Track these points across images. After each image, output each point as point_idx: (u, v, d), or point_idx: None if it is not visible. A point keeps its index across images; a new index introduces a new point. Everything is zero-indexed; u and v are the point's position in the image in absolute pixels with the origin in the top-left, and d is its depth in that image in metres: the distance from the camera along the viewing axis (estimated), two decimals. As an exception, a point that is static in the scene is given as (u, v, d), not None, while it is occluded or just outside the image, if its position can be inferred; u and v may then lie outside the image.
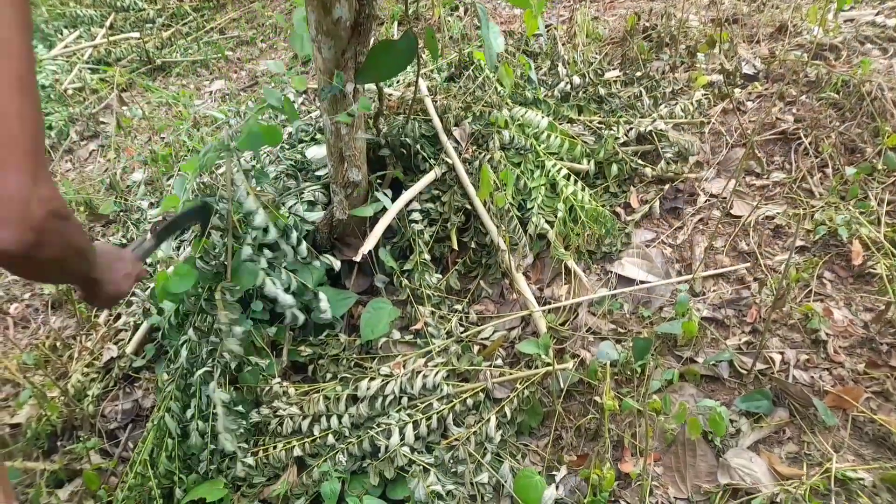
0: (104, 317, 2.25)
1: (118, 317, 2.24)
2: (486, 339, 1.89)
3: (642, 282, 1.84)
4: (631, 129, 2.16)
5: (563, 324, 1.82)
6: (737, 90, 2.31)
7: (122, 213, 2.86)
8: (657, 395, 1.58)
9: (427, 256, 2.01)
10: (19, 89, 0.69)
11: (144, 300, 2.19)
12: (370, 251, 1.97)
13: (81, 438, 1.85)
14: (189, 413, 1.73)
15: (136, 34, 4.34)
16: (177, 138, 3.25)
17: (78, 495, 1.74)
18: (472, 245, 2.06)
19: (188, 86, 3.96)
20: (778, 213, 1.90)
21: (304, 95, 3.37)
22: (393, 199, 2.04)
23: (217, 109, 3.48)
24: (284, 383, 1.83)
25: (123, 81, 3.89)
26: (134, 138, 3.49)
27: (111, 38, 4.28)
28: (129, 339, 2.10)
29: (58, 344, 2.19)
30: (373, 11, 1.76)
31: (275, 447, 1.72)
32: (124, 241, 2.65)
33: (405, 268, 2.02)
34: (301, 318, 1.83)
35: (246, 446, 1.70)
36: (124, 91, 3.89)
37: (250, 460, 1.68)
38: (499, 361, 1.79)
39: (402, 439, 1.61)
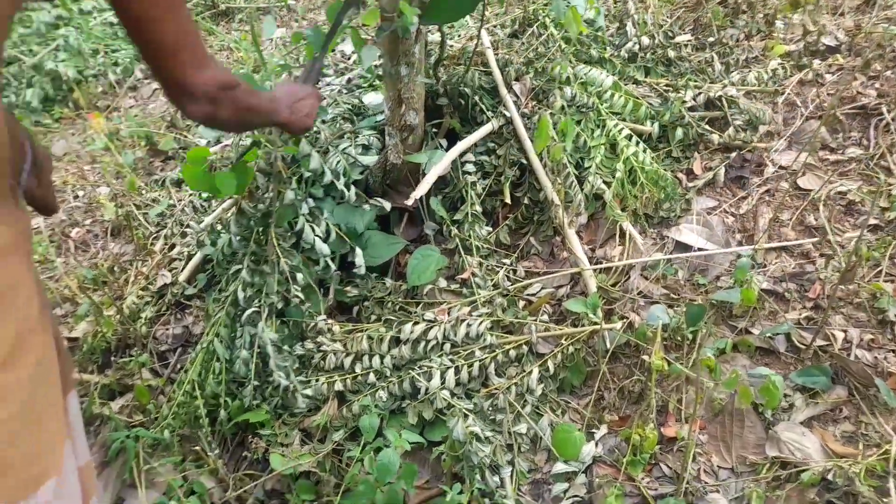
0: (160, 245, 2.31)
1: (173, 246, 2.29)
2: (533, 295, 1.87)
3: (700, 249, 1.78)
4: (700, 93, 2.08)
5: (613, 285, 1.78)
6: (816, 61, 2.19)
7: (180, 150, 2.92)
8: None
9: (478, 208, 1.99)
10: (188, 12, 0.92)
11: (199, 232, 2.24)
12: (421, 200, 1.96)
13: (134, 356, 1.92)
14: (237, 343, 1.77)
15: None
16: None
17: (128, 408, 1.80)
18: (525, 201, 2.03)
19: (250, 32, 3.98)
20: (851, 189, 1.81)
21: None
22: (447, 149, 2.02)
23: (278, 57, 3.49)
24: (329, 321, 1.85)
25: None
26: (195, 79, 3.54)
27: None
28: (183, 268, 2.15)
29: (115, 267, 2.26)
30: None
31: (317, 380, 1.75)
32: (180, 176, 2.70)
33: (455, 218, 2.00)
34: (333, 268, 1.81)
35: (305, 379, 1.73)
36: (188, 33, 3.94)
37: (309, 391, 1.71)
38: (544, 317, 1.77)
39: (442, 383, 1.62)
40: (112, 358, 1.96)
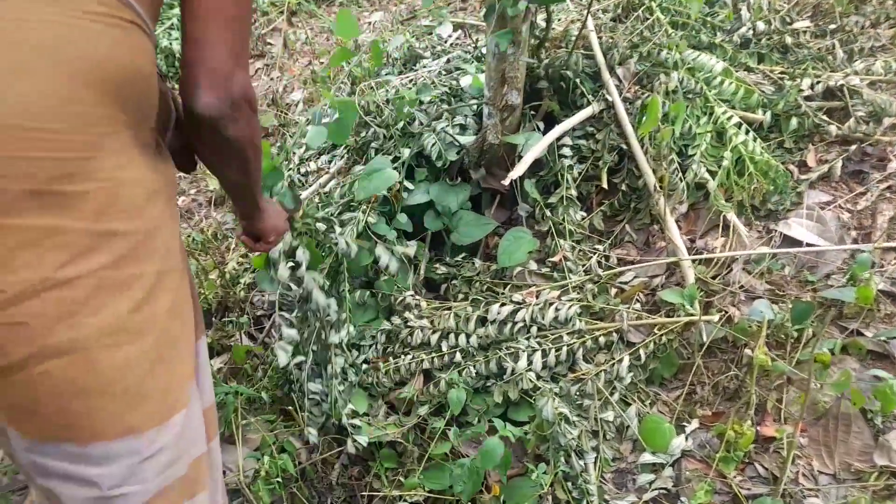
0: (259, 216, 2.41)
1: (271, 217, 2.38)
2: (626, 283, 1.83)
3: (810, 245, 1.69)
4: (818, 82, 1.96)
5: (713, 277, 1.71)
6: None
7: (280, 127, 3.03)
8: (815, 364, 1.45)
9: (573, 193, 1.96)
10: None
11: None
12: (514, 182, 1.95)
13: (232, 319, 2.02)
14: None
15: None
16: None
17: (225, 368, 1.90)
18: (623, 187, 1.98)
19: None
20: None
21: (460, 30, 3.36)
22: (545, 132, 1.99)
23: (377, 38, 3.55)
24: (417, 297, 1.88)
25: (293, 4, 4.06)
26: (296, 60, 3.66)
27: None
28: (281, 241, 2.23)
29: (218, 234, 2.38)
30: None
31: (404, 355, 1.78)
32: (277, 150, 2.80)
33: (549, 201, 1.98)
34: (395, 266, 1.81)
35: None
36: (293, 15, 4.07)
37: (383, 368, 1.74)
38: (637, 306, 1.72)
39: (529, 364, 1.61)
40: (213, 319, 2.07)
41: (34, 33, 0.66)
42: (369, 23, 3.92)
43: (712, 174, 1.84)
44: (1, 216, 0.66)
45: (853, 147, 1.84)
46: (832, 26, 2.24)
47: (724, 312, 1.61)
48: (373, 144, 2.17)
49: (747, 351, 1.50)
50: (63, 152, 0.69)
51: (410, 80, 2.62)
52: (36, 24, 0.66)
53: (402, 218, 1.94)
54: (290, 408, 1.70)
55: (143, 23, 0.77)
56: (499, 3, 1.71)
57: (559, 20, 2.81)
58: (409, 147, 2.06)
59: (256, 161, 0.97)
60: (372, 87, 2.56)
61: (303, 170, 2.54)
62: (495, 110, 1.90)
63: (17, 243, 0.67)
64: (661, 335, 1.60)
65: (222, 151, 0.91)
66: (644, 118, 1.77)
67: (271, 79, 3.54)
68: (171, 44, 3.66)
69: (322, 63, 3.53)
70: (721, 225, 1.79)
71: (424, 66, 2.70)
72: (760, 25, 2.18)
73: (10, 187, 0.65)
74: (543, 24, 2.05)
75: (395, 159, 2.06)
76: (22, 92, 0.65)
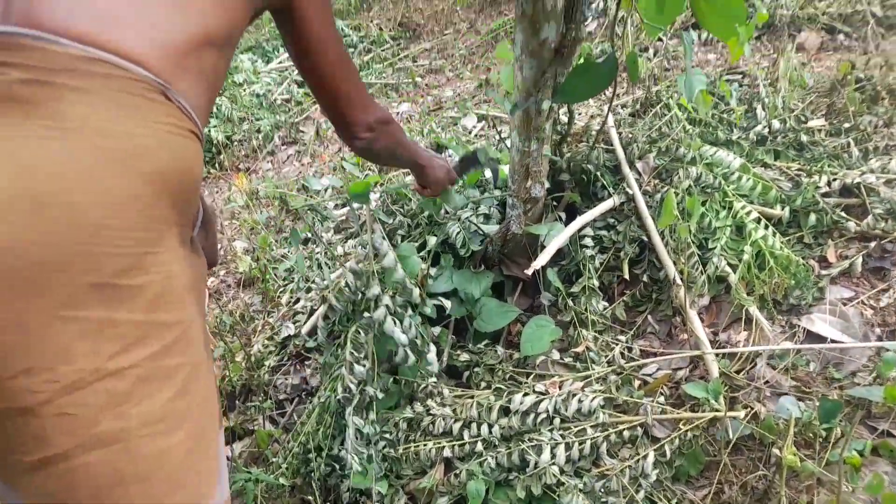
0: (286, 298, 2.46)
1: (297, 300, 2.44)
2: (649, 375, 1.82)
3: (834, 341, 1.68)
4: (835, 179, 2.01)
5: (737, 372, 1.70)
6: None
7: (309, 211, 3.14)
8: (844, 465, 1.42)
9: (595, 283, 1.99)
10: (356, 69, 1.16)
11: (322, 288, 2.37)
12: (537, 271, 1.99)
13: (256, 402, 2.03)
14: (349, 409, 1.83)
15: (340, 57, 4.77)
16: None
17: (246, 452, 1.90)
18: (644, 279, 2.01)
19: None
20: None
21: (483, 121, 3.51)
22: (567, 223, 2.05)
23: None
24: (439, 384, 1.89)
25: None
26: (326, 147, 3.83)
27: (318, 59, 4.75)
28: (305, 321, 2.28)
29: (245, 315, 2.43)
30: (580, 35, 1.81)
31: (425, 444, 1.77)
32: (309, 234, 2.89)
33: (571, 291, 2.01)
34: (412, 359, 1.82)
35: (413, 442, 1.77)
36: (323, 105, 4.29)
37: (403, 456, 1.73)
38: (661, 399, 1.71)
39: (552, 458, 1.59)
40: (237, 402, 2.09)
41: (115, 141, 0.73)
42: (397, 113, 4.12)
43: (733, 268, 1.87)
44: (66, 308, 0.70)
45: (873, 244, 1.86)
46: (846, 125, 2.31)
47: (749, 408, 1.59)
48: (399, 232, 2.24)
49: (775, 450, 1.47)
50: (127, 247, 0.74)
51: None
52: (117, 132, 0.73)
53: (428, 305, 1.98)
54: (310, 497, 1.68)
55: (199, 132, 0.85)
56: (525, 101, 1.81)
57: (580, 114, 2.94)
58: (435, 235, 2.13)
59: (403, 148, 1.39)
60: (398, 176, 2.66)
61: (330, 254, 2.61)
62: (519, 201, 1.97)
63: (77, 334, 0.71)
64: (686, 430, 1.59)
65: (379, 157, 1.34)
66: (662, 212, 1.82)
67: (302, 164, 3.70)
68: (209, 131, 3.85)
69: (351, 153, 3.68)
70: (744, 318, 1.80)
71: (450, 156, 2.81)
72: (776, 124, 2.26)
73: (76, 280, 0.70)
74: (566, 120, 2.15)
75: (422, 246, 2.12)
76: (99, 191, 0.71)
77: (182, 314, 0.82)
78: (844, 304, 1.77)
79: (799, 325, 1.76)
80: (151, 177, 0.76)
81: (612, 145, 2.27)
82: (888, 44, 3.06)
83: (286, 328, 2.28)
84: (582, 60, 1.79)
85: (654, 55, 3.46)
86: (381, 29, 5.20)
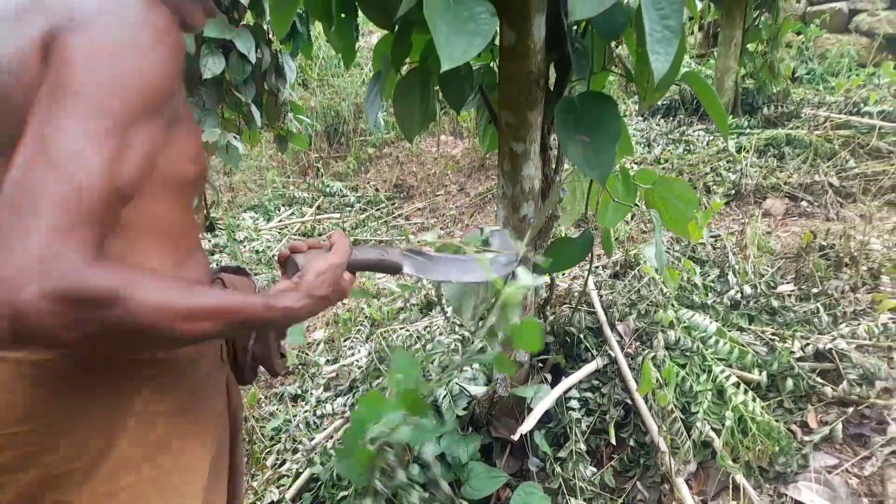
0: (272, 460, 2.43)
1: (283, 462, 2.40)
2: (640, 547, 1.78)
3: (823, 512, 1.67)
4: (808, 344, 2.09)
5: (728, 544, 1.67)
6: (931, 317, 2.17)
7: (300, 367, 3.17)
8: None
9: (583, 446, 2.00)
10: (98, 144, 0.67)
11: (309, 450, 2.35)
12: (525, 434, 2.00)
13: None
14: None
15: (337, 215, 5.05)
16: (357, 304, 3.63)
17: None
18: (631, 443, 2.02)
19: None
20: None
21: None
22: (553, 384, 2.10)
23: (395, 284, 3.86)
24: (427, 556, 1.83)
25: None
26: (320, 301, 3.94)
27: (317, 217, 5.02)
28: (290, 485, 2.23)
29: (229, 478, 2.38)
30: (555, 212, 1.98)
31: None
32: (299, 391, 2.90)
33: (559, 455, 2.01)
34: None
35: None
36: (320, 261, 4.47)
37: None
38: (653, 575, 1.66)
39: None
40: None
41: None
42: (390, 268, 4.28)
43: (717, 432, 1.89)
44: None
45: (851, 409, 1.90)
46: (815, 290, 2.45)
47: (744, 586, 1.54)
48: (387, 391, 2.27)
49: None
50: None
51: (426, 328, 2.81)
52: None
53: (415, 469, 1.96)
54: None
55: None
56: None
57: (563, 275, 3.09)
58: (423, 395, 2.16)
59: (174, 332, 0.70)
60: (390, 332, 2.74)
61: (319, 412, 2.62)
62: (505, 366, 2.03)
63: None
64: None
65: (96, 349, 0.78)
66: (641, 379, 1.88)
67: (296, 318, 3.78)
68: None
69: (344, 304, 3.79)
70: (731, 486, 1.79)
71: (442, 313, 2.91)
72: (747, 289, 2.39)
73: None
74: (548, 286, 2.27)
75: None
76: None
77: None
78: (829, 472, 1.78)
79: (787, 495, 1.75)
80: None
81: (593, 308, 2.38)
82: (846, 211, 3.30)
83: (270, 493, 2.23)
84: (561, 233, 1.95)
85: (632, 218, 3.70)
86: (377, 190, 5.54)
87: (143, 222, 0.82)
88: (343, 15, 1.78)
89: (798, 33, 5.83)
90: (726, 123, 1.58)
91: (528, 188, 1.87)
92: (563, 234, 3.24)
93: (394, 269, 1.06)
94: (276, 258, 4.08)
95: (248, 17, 4.34)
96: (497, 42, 1.74)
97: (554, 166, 1.93)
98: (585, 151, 1.58)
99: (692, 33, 6.57)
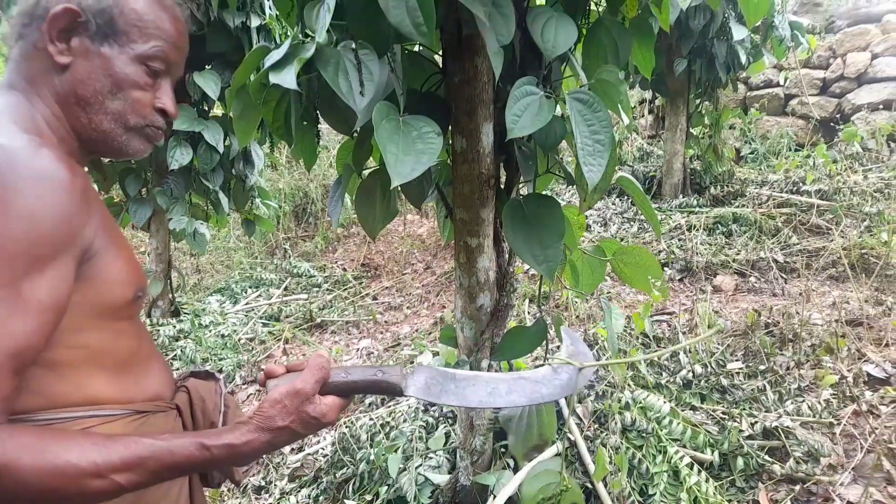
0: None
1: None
2: None
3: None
4: (756, 422, 2.18)
5: None
6: (868, 392, 2.29)
7: (264, 456, 3.13)
8: None
9: (546, 534, 2.02)
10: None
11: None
12: (489, 521, 2.02)
13: None
14: None
15: (305, 296, 5.09)
16: (323, 390, 3.63)
17: None
18: (592, 528, 2.05)
19: (339, 342, 4.48)
20: (930, 532, 1.76)
21: (436, 356, 3.70)
22: (515, 470, 2.13)
23: (361, 366, 3.88)
24: None
25: (289, 334, 4.48)
26: (286, 386, 3.92)
27: (284, 299, 5.05)
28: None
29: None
30: (510, 301, 2.07)
31: None
32: (263, 482, 2.86)
33: (523, 543, 2.02)
34: None
35: None
36: (286, 343, 4.47)
37: None
38: None
39: None
40: None
41: None
42: (357, 349, 4.31)
43: (674, 515, 1.94)
44: None
45: (798, 487, 1.98)
46: (762, 367, 2.56)
47: None
48: (351, 482, 2.28)
49: None
50: None
51: (390, 413, 2.83)
52: None
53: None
54: None
55: None
56: (468, 360, 2.00)
57: (522, 361, 3.16)
58: (388, 484, 2.17)
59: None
60: (354, 420, 2.75)
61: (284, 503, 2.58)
62: (465, 453, 2.07)
63: None
64: None
65: None
66: (596, 465, 1.93)
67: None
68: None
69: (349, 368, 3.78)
70: (689, 570, 1.83)
71: (406, 401, 2.93)
72: (698, 368, 2.49)
73: None
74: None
75: (374, 498, 2.15)
76: None
77: None
78: (782, 551, 1.83)
79: (742, 576, 1.79)
80: None
81: (553, 391, 2.44)
82: (791, 286, 3.48)
83: None
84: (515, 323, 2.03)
85: (591, 296, 3.82)
86: (344, 269, 5.61)
87: (77, 357, 0.84)
88: (305, 123, 1.90)
89: (742, 114, 6.24)
90: (658, 226, 1.71)
91: (484, 279, 1.96)
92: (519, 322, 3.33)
93: (393, 392, 0.97)
94: (240, 341, 4.04)
95: (217, 109, 4.50)
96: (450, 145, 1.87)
97: (507, 258, 2.04)
98: (533, 249, 1.70)
99: (643, 116, 6.97)
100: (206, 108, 4.19)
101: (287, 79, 1.27)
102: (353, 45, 1.38)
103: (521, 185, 1.98)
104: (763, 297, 3.43)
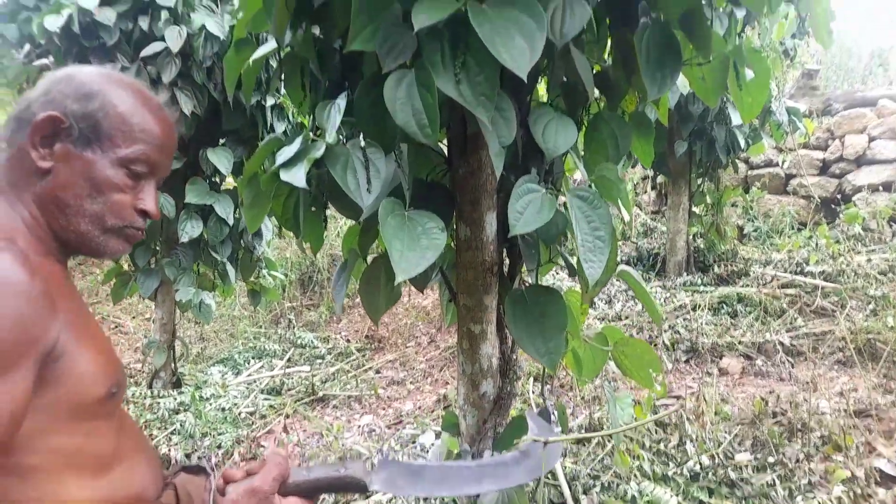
0: None
1: None
2: None
3: None
4: (767, 520, 2.12)
5: None
6: (881, 490, 2.23)
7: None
8: None
9: None
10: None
11: None
12: None
13: None
14: None
15: (307, 368, 5.05)
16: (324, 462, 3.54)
17: None
18: None
19: (341, 417, 4.41)
20: None
21: (439, 437, 3.63)
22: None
23: (362, 444, 3.80)
24: None
25: (290, 408, 4.42)
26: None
27: (287, 370, 5.01)
28: None
29: None
30: (513, 390, 2.06)
31: None
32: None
33: None
34: None
35: None
36: (287, 418, 4.40)
37: None
38: None
39: None
40: None
41: None
42: (359, 426, 4.23)
43: None
44: None
45: (812, 592, 1.90)
46: (771, 459, 2.50)
47: None
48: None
49: None
50: None
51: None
52: None
53: None
54: None
55: None
56: (470, 446, 1.97)
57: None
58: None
59: None
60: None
61: None
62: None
63: None
64: None
65: None
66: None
67: (258, 482, 3.66)
68: (168, 450, 3.88)
69: (311, 465, 3.70)
70: None
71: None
72: (705, 459, 2.43)
73: None
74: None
75: None
76: None
77: None
78: None
79: None
80: None
81: (557, 480, 2.38)
82: (798, 371, 3.44)
83: None
84: (518, 410, 2.01)
85: (597, 377, 3.78)
86: (348, 341, 5.59)
87: (48, 461, 0.83)
88: (313, 209, 1.94)
89: (743, 192, 6.33)
90: (659, 318, 1.72)
91: (487, 366, 1.96)
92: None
93: (357, 488, 0.95)
94: (240, 415, 3.98)
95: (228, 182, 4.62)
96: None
97: (510, 344, 2.04)
98: (535, 341, 1.70)
99: (645, 192, 7.07)
100: (218, 181, 4.29)
101: (297, 177, 1.32)
102: (362, 143, 1.43)
103: (522, 274, 2.00)
104: (770, 382, 3.38)
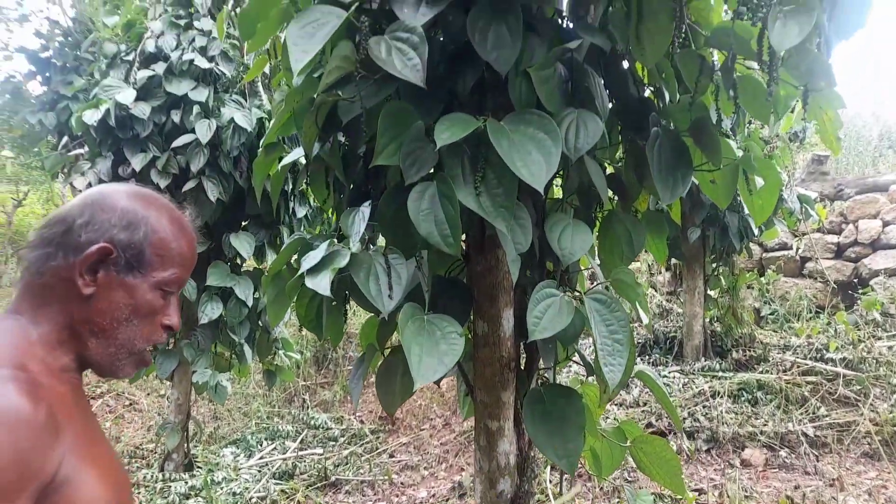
0: None
1: None
2: None
3: None
4: None
5: None
6: None
7: None
8: None
9: None
10: None
11: None
12: None
13: None
14: None
15: (320, 450, 4.98)
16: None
17: None
18: None
19: (352, 505, 4.31)
20: None
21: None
22: None
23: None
24: None
25: (301, 498, 4.33)
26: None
27: (299, 453, 4.94)
28: None
29: None
30: (530, 488, 2.03)
31: None
32: None
33: None
34: None
35: None
36: (298, 505, 4.31)
37: None
38: None
39: None
40: None
41: None
42: None
43: None
44: None
45: None
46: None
47: None
48: None
49: None
50: None
51: None
52: None
53: None
54: None
55: None
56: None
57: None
58: None
59: None
60: None
61: None
62: None
63: None
64: None
65: None
66: None
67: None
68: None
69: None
70: None
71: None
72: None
73: None
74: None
75: None
76: None
77: None
78: None
79: None
80: None
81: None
82: (823, 464, 3.34)
83: None
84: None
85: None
86: (362, 422, 5.52)
87: None
88: (333, 303, 1.99)
89: (757, 276, 6.32)
90: (679, 421, 1.72)
91: (504, 463, 1.94)
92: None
93: None
94: (251, 500, 3.91)
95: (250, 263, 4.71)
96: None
97: (528, 441, 2.02)
98: (554, 443, 1.70)
99: (660, 272, 7.08)
100: (239, 263, 4.38)
101: (322, 285, 1.37)
102: (384, 251, 1.49)
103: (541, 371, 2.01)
104: (795, 475, 3.28)
